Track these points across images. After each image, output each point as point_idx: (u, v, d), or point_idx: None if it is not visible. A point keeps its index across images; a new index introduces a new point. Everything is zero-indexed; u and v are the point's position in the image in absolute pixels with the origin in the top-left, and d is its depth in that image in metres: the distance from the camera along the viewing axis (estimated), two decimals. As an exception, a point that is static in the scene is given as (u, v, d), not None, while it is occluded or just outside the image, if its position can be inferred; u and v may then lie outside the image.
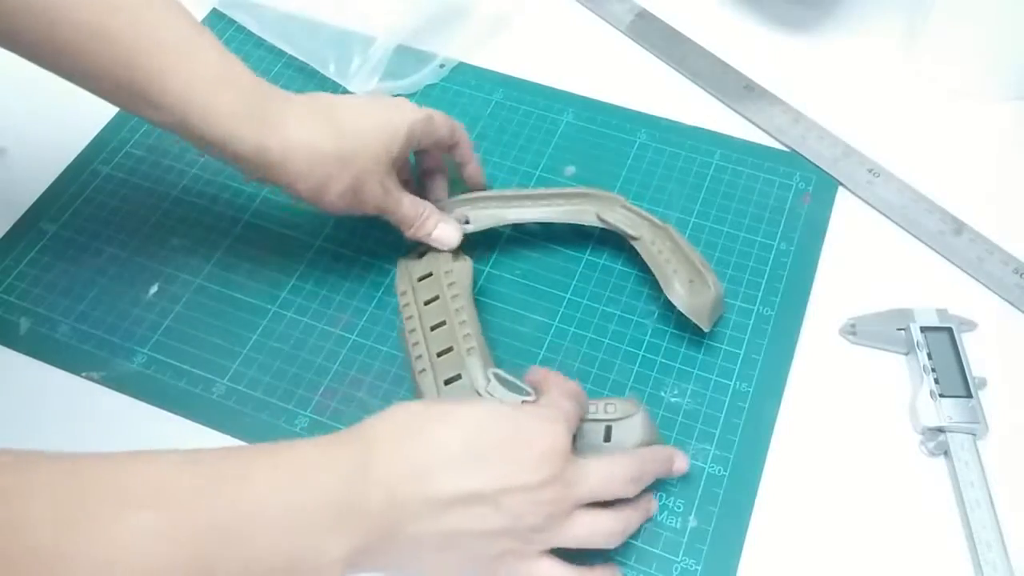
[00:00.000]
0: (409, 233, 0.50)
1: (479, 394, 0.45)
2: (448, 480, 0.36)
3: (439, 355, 0.47)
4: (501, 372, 0.45)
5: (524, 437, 0.38)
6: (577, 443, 0.43)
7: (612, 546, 0.41)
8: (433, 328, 0.48)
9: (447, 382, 0.46)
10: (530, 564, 0.39)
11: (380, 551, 0.36)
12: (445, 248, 0.51)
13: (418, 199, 0.51)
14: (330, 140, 0.46)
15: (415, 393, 0.47)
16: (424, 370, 0.47)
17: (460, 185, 0.55)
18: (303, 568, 0.34)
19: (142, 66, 0.43)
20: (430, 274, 0.50)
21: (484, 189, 0.55)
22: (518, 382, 0.45)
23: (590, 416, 0.44)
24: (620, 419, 0.44)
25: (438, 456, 0.37)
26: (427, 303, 0.49)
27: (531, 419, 0.39)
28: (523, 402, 0.43)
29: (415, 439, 0.37)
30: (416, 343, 0.48)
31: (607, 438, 0.44)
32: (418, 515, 0.36)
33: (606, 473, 0.40)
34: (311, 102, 0.47)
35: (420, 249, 0.52)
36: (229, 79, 0.44)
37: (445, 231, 0.51)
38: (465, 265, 0.51)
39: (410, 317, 0.49)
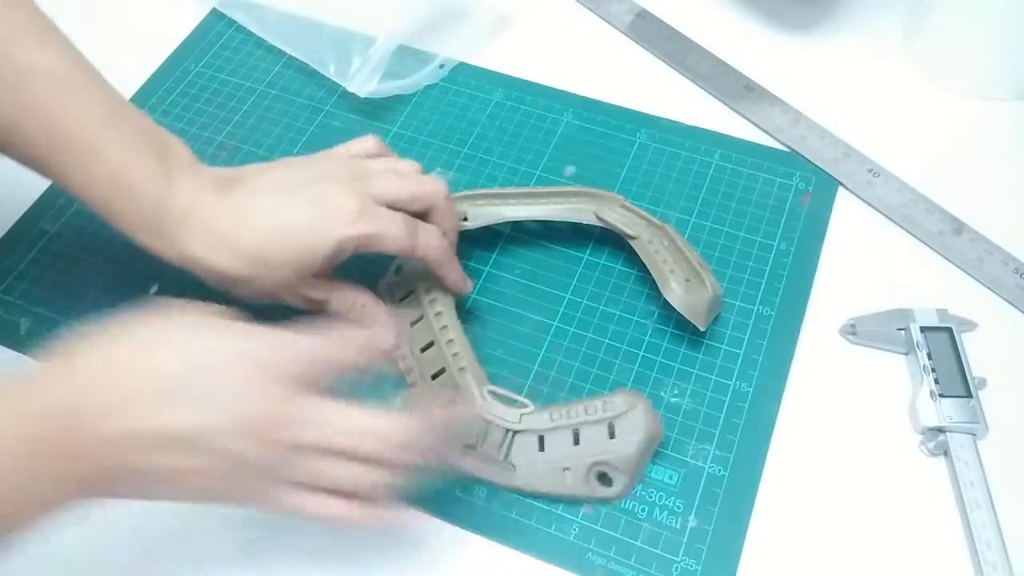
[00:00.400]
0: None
1: (477, 415, 0.45)
2: (145, 417, 0.35)
3: (433, 378, 0.47)
4: (496, 389, 0.46)
5: (223, 374, 0.36)
6: (581, 445, 0.44)
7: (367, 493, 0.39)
8: (423, 350, 0.48)
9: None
10: (275, 497, 0.38)
11: (109, 485, 0.36)
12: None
13: (353, 293, 0.47)
14: (231, 262, 0.43)
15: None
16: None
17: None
18: (33, 508, 0.34)
19: (53, 163, 0.43)
20: (411, 292, 0.50)
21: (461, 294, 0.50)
22: (513, 395, 0.45)
23: (591, 417, 0.44)
24: (621, 415, 0.44)
25: (138, 389, 0.35)
26: (413, 324, 0.49)
27: (237, 354, 0.37)
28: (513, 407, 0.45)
29: (119, 369, 0.35)
30: (410, 370, 0.48)
31: (612, 435, 0.44)
32: (127, 451, 0.35)
33: (353, 425, 0.37)
34: (218, 217, 0.43)
35: (396, 264, 0.51)
36: (129, 187, 0.42)
37: (378, 335, 0.45)
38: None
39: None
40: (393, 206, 0.45)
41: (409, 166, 0.49)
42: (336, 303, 0.47)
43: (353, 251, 0.44)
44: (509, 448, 0.45)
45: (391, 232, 0.44)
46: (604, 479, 0.45)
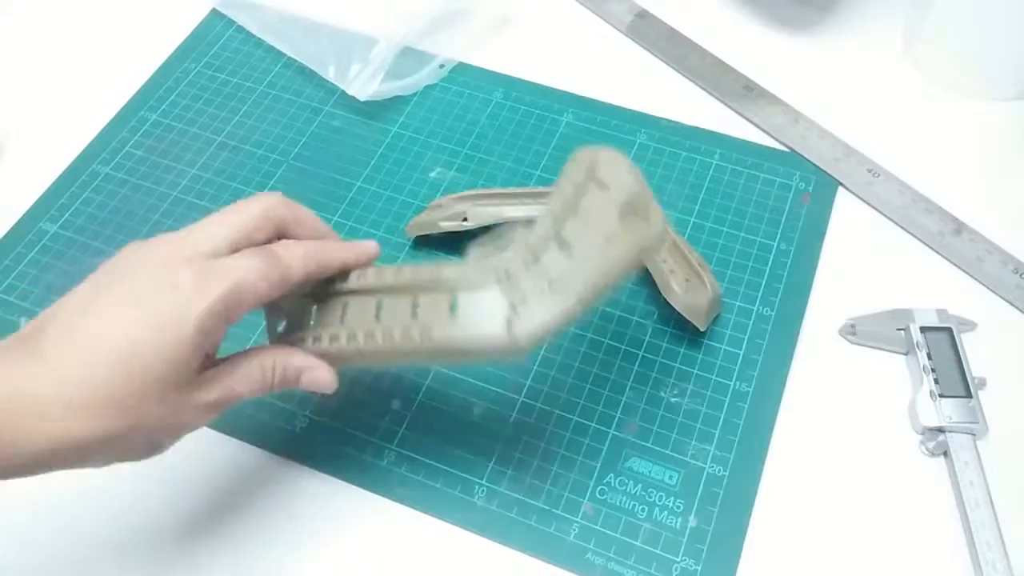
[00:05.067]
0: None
1: (487, 279, 0.38)
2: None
3: (415, 316, 0.39)
4: (474, 246, 0.39)
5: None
6: (591, 213, 0.38)
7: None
8: (377, 316, 0.40)
9: (452, 312, 0.38)
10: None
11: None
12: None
13: (256, 363, 0.38)
14: (96, 426, 0.33)
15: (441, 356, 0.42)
16: (426, 332, 0.38)
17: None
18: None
19: None
20: (314, 304, 0.41)
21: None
22: (488, 239, 0.39)
23: (573, 187, 0.38)
24: (595, 166, 0.38)
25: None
26: (341, 319, 0.40)
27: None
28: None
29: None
30: (385, 336, 0.39)
31: (603, 187, 0.38)
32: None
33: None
34: (47, 384, 0.32)
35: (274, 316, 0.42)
36: None
37: (317, 377, 0.39)
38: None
39: (348, 342, 0.40)
40: (235, 249, 0.37)
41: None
42: (247, 388, 0.38)
43: (225, 326, 0.36)
44: (544, 272, 0.37)
45: (249, 277, 0.35)
46: (638, 215, 0.38)
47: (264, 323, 0.42)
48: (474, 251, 0.38)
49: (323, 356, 0.40)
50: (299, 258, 0.37)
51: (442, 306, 0.38)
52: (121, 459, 0.35)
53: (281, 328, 0.42)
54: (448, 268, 0.38)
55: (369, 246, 0.41)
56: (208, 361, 0.37)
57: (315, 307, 0.41)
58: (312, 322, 0.41)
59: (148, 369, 0.33)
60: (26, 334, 0.34)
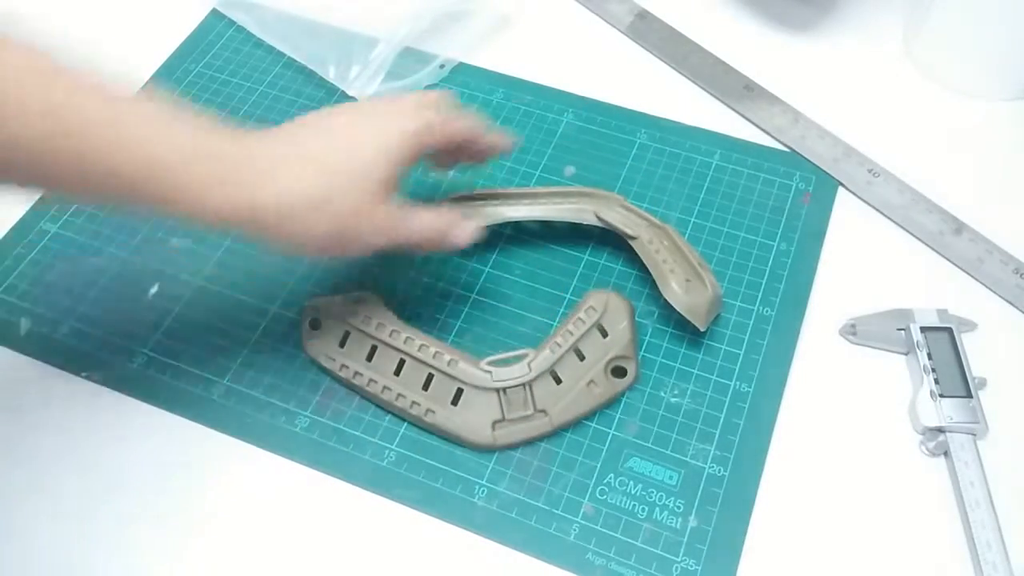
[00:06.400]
0: (430, 249, 0.47)
1: (490, 389, 0.46)
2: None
3: (425, 388, 0.47)
4: (493, 358, 0.47)
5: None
6: (587, 358, 0.47)
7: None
8: (397, 372, 0.47)
9: (454, 402, 0.47)
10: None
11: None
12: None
13: (433, 209, 0.47)
14: (322, 183, 0.42)
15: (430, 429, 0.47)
16: (430, 410, 0.47)
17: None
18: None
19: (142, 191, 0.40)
20: (347, 332, 0.49)
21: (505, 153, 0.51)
22: (508, 354, 0.47)
23: (582, 329, 0.47)
24: (604, 313, 0.48)
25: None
26: (368, 359, 0.48)
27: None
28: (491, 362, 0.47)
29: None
30: (400, 396, 0.47)
31: (604, 334, 0.48)
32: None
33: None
34: (302, 142, 0.43)
35: (310, 318, 0.50)
36: (208, 155, 0.42)
37: (467, 234, 0.47)
38: (371, 298, 0.49)
39: (368, 384, 0.48)
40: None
41: None
42: (417, 232, 0.46)
43: (421, 151, 0.45)
44: (533, 398, 0.46)
45: (442, 112, 0.46)
46: (618, 372, 0.48)
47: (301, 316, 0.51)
48: (489, 358, 0.47)
49: (348, 386, 0.49)
50: (468, 118, 0.47)
51: (449, 392, 0.47)
52: (292, 241, 0.42)
53: (314, 327, 0.50)
54: (462, 363, 0.47)
55: (507, 143, 0.50)
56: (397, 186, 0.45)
57: (347, 333, 0.49)
58: (343, 347, 0.49)
59: (365, 164, 0.42)
60: (270, 130, 0.44)
